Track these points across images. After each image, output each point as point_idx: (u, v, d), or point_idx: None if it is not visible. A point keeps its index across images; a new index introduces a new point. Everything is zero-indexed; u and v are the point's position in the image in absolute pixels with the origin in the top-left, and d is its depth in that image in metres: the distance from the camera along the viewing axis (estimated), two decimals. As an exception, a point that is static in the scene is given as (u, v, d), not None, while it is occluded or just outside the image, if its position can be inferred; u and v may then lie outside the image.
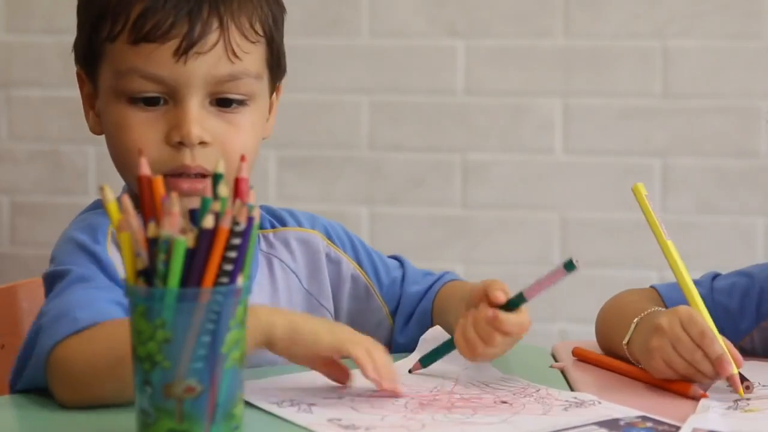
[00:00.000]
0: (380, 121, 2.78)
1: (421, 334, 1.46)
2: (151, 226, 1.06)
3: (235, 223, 1.06)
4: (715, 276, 1.55)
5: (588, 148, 2.73)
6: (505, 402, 1.24)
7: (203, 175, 1.35)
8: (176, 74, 1.33)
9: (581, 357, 1.45)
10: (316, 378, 1.28)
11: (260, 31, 1.39)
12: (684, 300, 1.44)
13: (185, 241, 1.04)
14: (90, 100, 1.43)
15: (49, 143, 2.88)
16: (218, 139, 1.36)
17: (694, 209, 2.71)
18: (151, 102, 1.35)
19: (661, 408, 1.25)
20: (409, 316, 1.53)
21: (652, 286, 1.54)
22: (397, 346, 1.52)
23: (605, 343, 1.47)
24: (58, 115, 2.86)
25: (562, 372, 1.41)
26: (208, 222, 1.05)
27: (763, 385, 1.34)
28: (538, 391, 1.28)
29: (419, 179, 2.77)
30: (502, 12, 2.73)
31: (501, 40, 2.74)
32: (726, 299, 1.50)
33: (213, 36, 1.34)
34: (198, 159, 1.35)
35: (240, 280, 1.07)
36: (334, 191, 2.79)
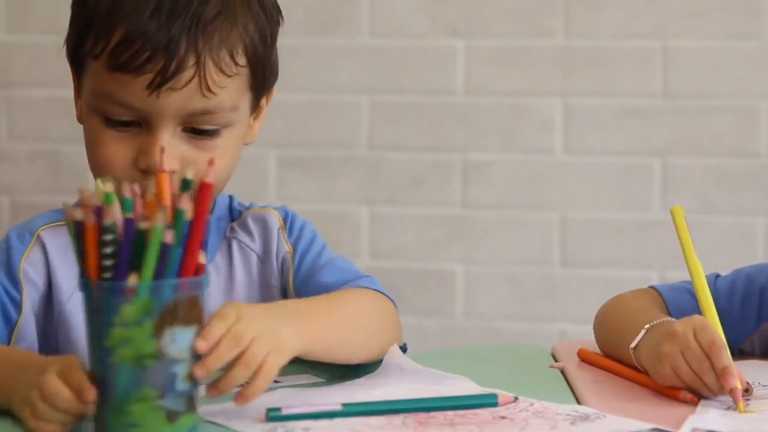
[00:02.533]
0: (380, 121, 2.78)
1: None
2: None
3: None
4: (717, 276, 1.55)
5: (588, 148, 2.73)
6: (504, 417, 1.21)
7: None
8: (148, 106, 1.33)
9: (586, 359, 1.44)
10: (306, 397, 1.27)
11: (242, 62, 1.37)
12: (684, 301, 1.44)
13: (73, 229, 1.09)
14: (78, 90, 1.44)
15: (49, 143, 2.87)
16: (187, 163, 1.35)
17: (694, 209, 2.71)
18: (125, 123, 1.36)
19: (661, 412, 1.25)
20: None
21: (651, 287, 1.54)
22: None
23: (608, 345, 1.46)
24: (58, 115, 2.85)
25: (562, 372, 1.41)
26: (77, 215, 1.08)
27: (764, 385, 1.34)
28: (532, 405, 1.25)
29: (419, 179, 2.77)
30: (502, 12, 2.73)
31: (501, 40, 2.73)
32: (727, 303, 1.50)
33: (188, 73, 1.33)
34: None
35: (131, 280, 1.08)
36: (334, 191, 2.79)
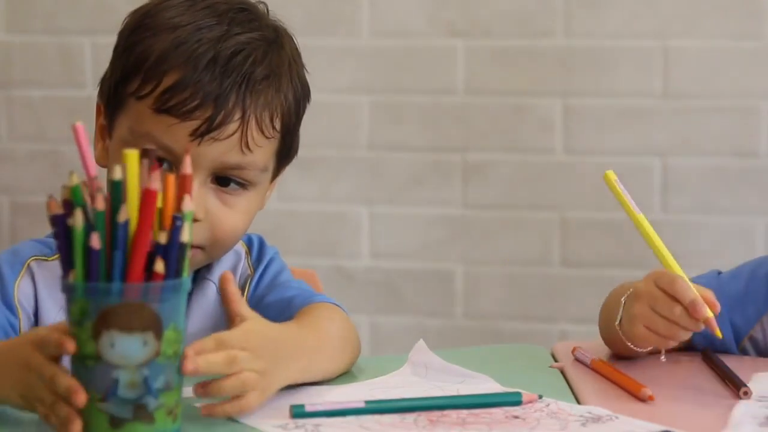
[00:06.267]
0: (380, 121, 2.78)
1: None
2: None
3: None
4: (719, 273, 1.55)
5: (588, 148, 2.73)
6: (516, 417, 1.21)
7: None
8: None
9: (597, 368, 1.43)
10: (319, 395, 1.27)
11: (278, 127, 1.41)
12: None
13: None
14: (102, 132, 1.45)
15: (49, 143, 2.88)
16: (211, 216, 1.39)
17: (694, 209, 2.71)
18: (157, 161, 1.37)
19: (660, 411, 1.25)
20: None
21: None
22: None
23: (605, 332, 1.47)
24: (58, 115, 2.85)
25: (562, 372, 1.41)
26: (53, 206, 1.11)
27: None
28: (548, 405, 1.25)
29: (419, 179, 2.77)
30: (502, 12, 2.73)
31: (501, 40, 2.73)
32: (733, 286, 1.50)
33: (232, 126, 1.36)
34: None
35: (70, 277, 1.10)
36: (334, 191, 2.79)
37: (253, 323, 1.22)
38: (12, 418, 1.19)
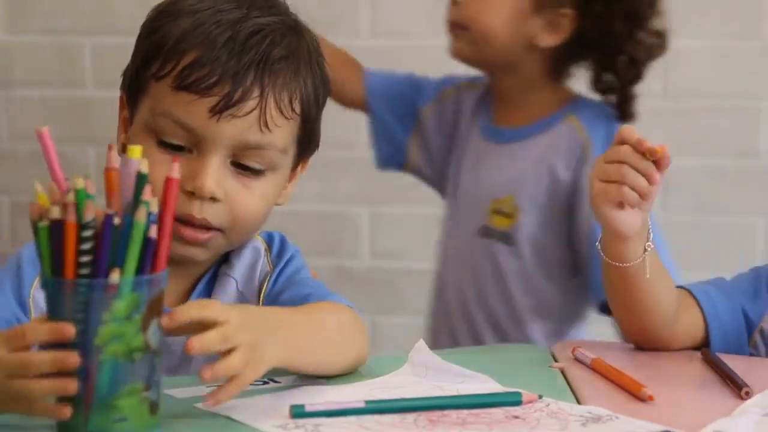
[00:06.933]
0: (380, 121, 2.78)
1: None
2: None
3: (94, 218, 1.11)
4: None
5: (588, 148, 2.72)
6: (516, 417, 1.21)
7: (207, 227, 1.39)
8: (206, 129, 1.37)
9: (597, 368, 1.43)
10: (319, 395, 1.28)
11: (297, 110, 1.43)
12: (713, 294, 1.46)
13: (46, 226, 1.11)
14: (125, 124, 1.47)
15: (49, 143, 2.88)
16: (230, 198, 1.40)
17: (694, 209, 2.71)
18: (177, 148, 1.39)
19: (661, 411, 1.25)
20: None
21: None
22: None
23: (607, 288, 1.47)
24: (58, 115, 2.86)
25: (562, 372, 1.41)
26: (54, 212, 1.11)
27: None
28: (548, 405, 1.25)
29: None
30: (502, 12, 2.73)
31: (501, 40, 2.73)
32: (740, 282, 1.51)
33: (251, 103, 1.38)
34: (204, 212, 1.39)
35: (115, 276, 1.10)
36: (334, 191, 2.79)
37: (229, 307, 1.23)
38: (12, 419, 1.19)
